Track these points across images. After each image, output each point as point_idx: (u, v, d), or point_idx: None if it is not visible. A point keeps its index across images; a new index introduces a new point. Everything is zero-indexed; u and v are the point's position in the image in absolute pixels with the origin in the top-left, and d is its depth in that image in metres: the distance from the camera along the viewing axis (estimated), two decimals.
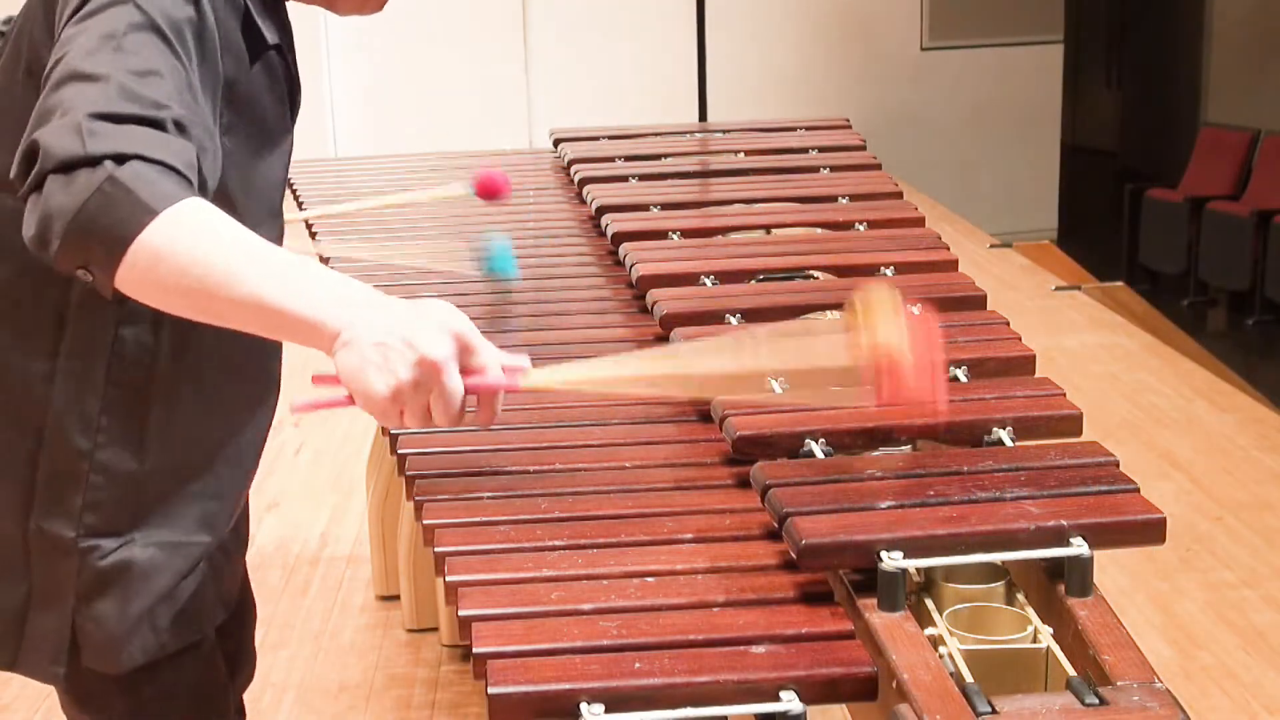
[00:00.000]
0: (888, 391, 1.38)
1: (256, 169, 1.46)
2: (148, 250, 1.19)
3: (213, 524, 1.54)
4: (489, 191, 2.51)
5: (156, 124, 1.24)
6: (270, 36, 1.45)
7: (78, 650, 1.47)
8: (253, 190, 1.46)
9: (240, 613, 1.74)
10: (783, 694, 1.19)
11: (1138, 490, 1.42)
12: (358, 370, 1.22)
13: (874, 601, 1.30)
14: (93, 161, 1.19)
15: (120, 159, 1.19)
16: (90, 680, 1.51)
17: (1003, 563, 1.38)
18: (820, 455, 1.58)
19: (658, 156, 3.13)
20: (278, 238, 1.53)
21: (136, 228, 1.19)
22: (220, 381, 1.51)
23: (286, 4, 1.52)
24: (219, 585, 1.57)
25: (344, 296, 1.24)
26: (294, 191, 3.08)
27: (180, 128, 1.26)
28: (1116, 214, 8.47)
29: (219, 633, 1.63)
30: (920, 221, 2.53)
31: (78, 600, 1.46)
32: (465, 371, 1.26)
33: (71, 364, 1.43)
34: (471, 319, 1.30)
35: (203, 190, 1.29)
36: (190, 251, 1.20)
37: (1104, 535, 1.34)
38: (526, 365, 1.36)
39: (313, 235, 2.66)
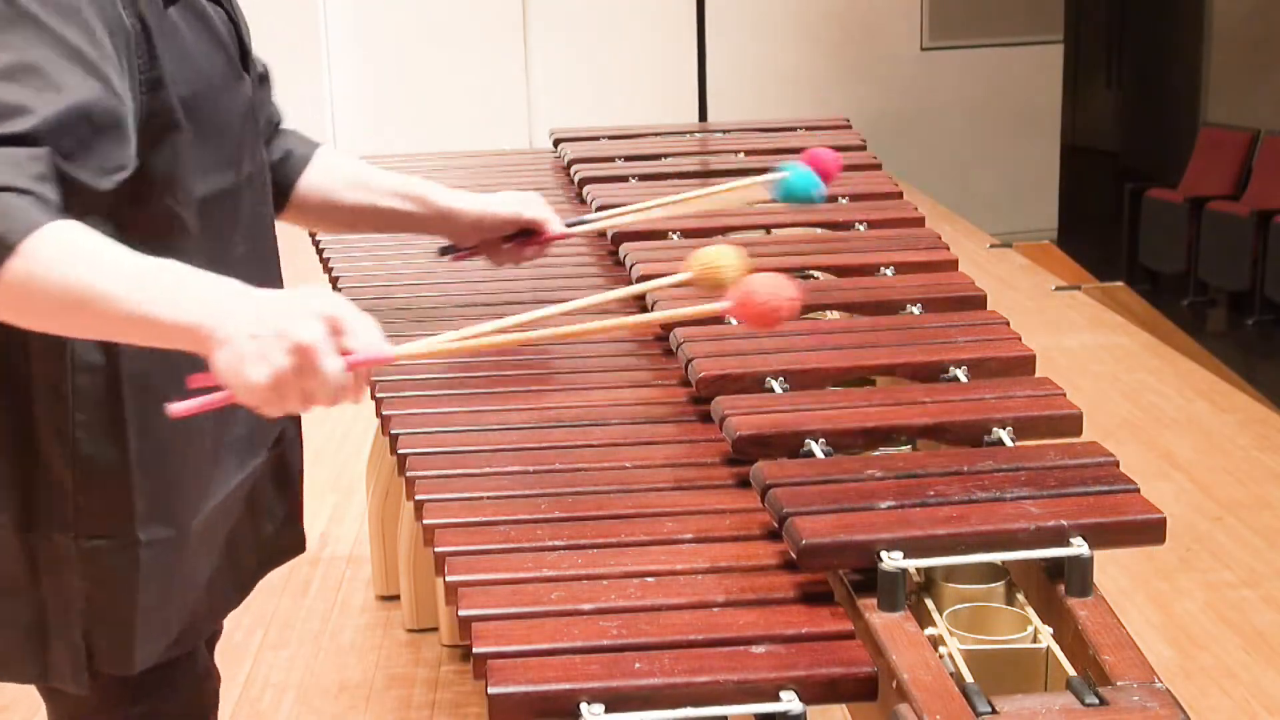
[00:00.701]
0: (740, 298, 1.39)
1: (198, 118, 1.43)
2: (12, 287, 1.21)
3: (209, 519, 1.52)
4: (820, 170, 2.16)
5: (16, 140, 1.23)
6: None
7: (92, 656, 1.47)
8: (203, 137, 1.43)
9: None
10: (783, 694, 1.19)
11: (1138, 490, 1.42)
12: (236, 365, 1.22)
13: (874, 601, 1.30)
14: None
15: None
16: (78, 700, 1.51)
17: (1003, 563, 1.38)
18: (820, 455, 1.58)
19: (658, 156, 3.13)
20: (236, 189, 1.51)
21: None
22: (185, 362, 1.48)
23: None
24: (220, 586, 1.57)
25: (213, 297, 1.25)
26: None
27: (47, 132, 1.24)
28: (1116, 214, 8.47)
29: None
30: (920, 221, 2.53)
31: (88, 604, 1.45)
32: (340, 351, 1.25)
33: (43, 368, 1.41)
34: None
35: (108, 156, 1.29)
36: (58, 281, 1.21)
37: (1104, 535, 1.34)
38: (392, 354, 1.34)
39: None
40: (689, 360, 1.85)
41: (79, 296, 1.22)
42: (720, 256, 1.57)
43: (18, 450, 1.43)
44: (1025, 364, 1.85)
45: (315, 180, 1.83)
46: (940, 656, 1.22)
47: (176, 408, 1.27)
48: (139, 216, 1.39)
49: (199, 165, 1.43)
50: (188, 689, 1.57)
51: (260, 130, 1.62)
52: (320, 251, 2.55)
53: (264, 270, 1.58)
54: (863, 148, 3.14)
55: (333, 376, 1.23)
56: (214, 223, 1.47)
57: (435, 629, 3.06)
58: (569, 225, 2.02)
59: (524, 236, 1.95)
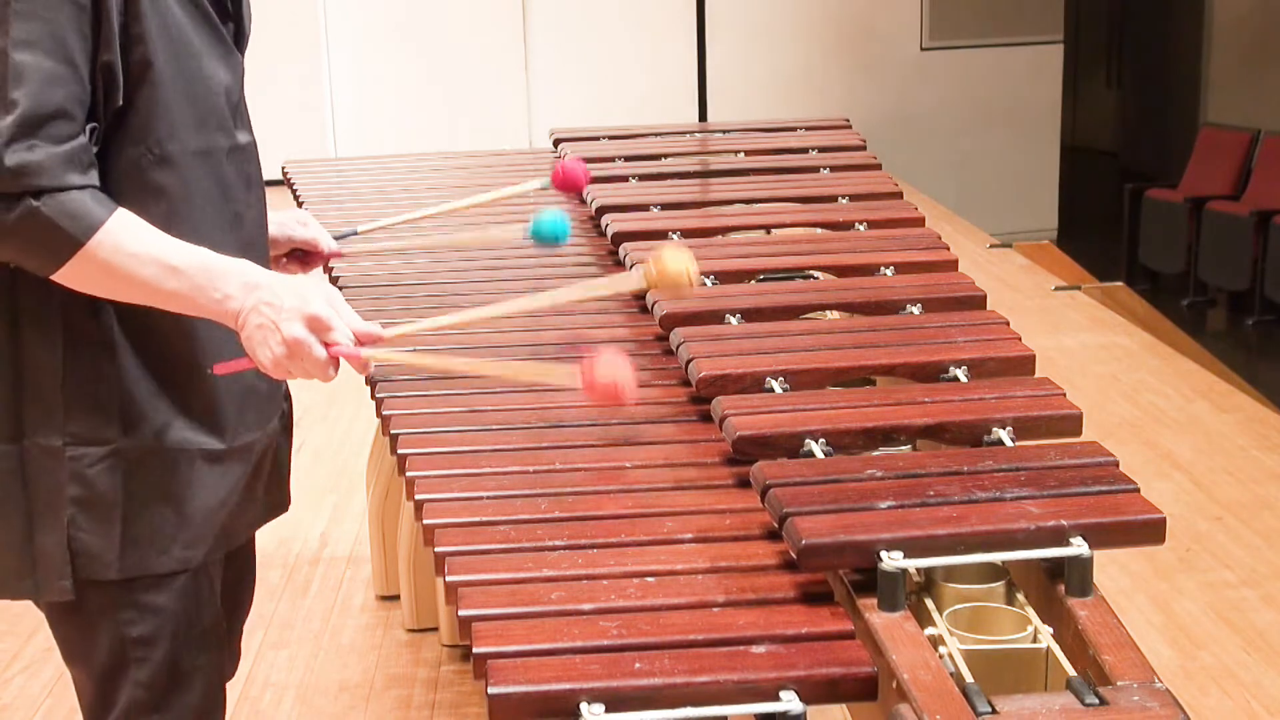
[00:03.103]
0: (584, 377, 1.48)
1: (186, 77, 1.53)
2: (76, 273, 1.46)
3: (207, 428, 1.58)
4: (567, 183, 2.31)
5: (57, 140, 1.41)
6: None
7: (75, 558, 1.53)
8: (193, 98, 1.54)
9: (240, 565, 1.77)
10: (783, 694, 1.19)
11: (1138, 490, 1.42)
12: (250, 346, 1.51)
13: (874, 601, 1.30)
14: (13, 198, 1.40)
15: (38, 193, 1.41)
16: (77, 618, 1.56)
17: (1003, 563, 1.38)
18: (820, 455, 1.58)
19: (658, 156, 3.13)
20: (226, 153, 1.59)
21: (64, 259, 1.44)
22: None
23: None
24: (221, 510, 1.59)
25: (234, 287, 1.50)
26: (294, 191, 3.08)
27: (66, 114, 1.42)
28: (1116, 214, 8.47)
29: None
30: (920, 221, 2.53)
31: (73, 509, 1.52)
32: (326, 343, 1.51)
33: (30, 292, 1.51)
34: None
35: (105, 108, 1.46)
36: (112, 271, 1.46)
37: (1104, 535, 1.34)
38: (378, 333, 1.57)
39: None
40: (689, 360, 1.85)
41: (128, 286, 1.48)
42: (676, 264, 1.62)
43: (4, 367, 1.52)
44: (1025, 364, 1.85)
45: None
46: (940, 656, 1.22)
47: (219, 367, 1.57)
48: (109, 165, 1.49)
49: (179, 121, 1.52)
50: (190, 612, 1.60)
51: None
52: None
53: (264, 238, 1.68)
54: (863, 148, 3.14)
55: (319, 364, 1.51)
56: (207, 183, 1.56)
57: (435, 629, 3.06)
58: (338, 239, 2.03)
59: (300, 254, 1.96)
